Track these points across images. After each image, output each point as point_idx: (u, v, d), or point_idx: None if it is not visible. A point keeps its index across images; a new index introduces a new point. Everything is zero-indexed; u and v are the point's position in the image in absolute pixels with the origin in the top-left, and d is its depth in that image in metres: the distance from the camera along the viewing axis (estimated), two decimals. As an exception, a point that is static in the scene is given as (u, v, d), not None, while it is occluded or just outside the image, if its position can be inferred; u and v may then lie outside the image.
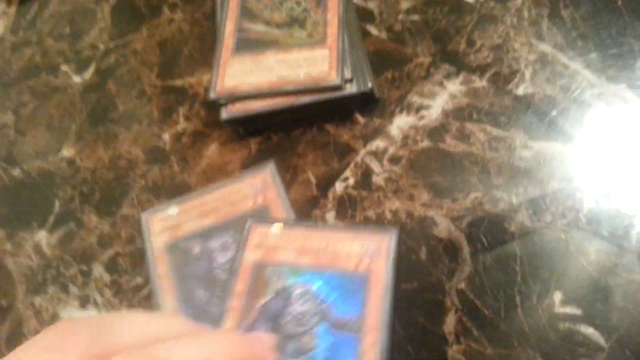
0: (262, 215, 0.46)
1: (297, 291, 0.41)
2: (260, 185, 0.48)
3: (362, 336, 0.38)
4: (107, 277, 0.50)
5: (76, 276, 0.51)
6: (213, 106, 0.54)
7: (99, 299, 0.49)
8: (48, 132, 0.62)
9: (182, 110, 0.58)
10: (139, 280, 0.49)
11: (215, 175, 0.53)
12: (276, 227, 0.44)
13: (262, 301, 0.41)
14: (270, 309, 0.41)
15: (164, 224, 0.48)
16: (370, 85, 0.50)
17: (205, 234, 0.47)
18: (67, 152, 0.60)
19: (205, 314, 0.43)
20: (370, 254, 0.42)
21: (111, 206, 0.54)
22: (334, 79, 0.48)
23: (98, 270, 0.51)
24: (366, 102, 0.52)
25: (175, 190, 0.53)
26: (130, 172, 0.56)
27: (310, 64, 0.50)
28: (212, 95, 0.51)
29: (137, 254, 0.50)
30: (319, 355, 0.39)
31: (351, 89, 0.50)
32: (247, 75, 0.51)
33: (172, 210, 0.48)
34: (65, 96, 0.65)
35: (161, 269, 0.46)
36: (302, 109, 0.51)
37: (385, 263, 0.41)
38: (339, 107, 0.53)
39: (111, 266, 0.50)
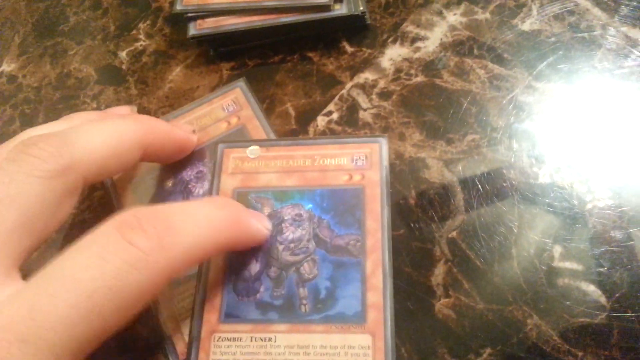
0: (233, 139, 0.41)
1: (287, 217, 0.37)
2: (233, 105, 0.42)
3: (364, 259, 0.34)
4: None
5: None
6: (179, 22, 0.47)
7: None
8: (-16, 43, 0.54)
9: (142, 26, 0.50)
10: (87, 215, 0.42)
11: (180, 101, 0.46)
12: (253, 150, 0.39)
13: None
14: None
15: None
16: (361, 8, 0.44)
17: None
18: (8, 66, 0.52)
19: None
20: (361, 166, 0.37)
21: (57, 130, 0.47)
22: (324, -6, 0.42)
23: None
24: (355, 29, 0.47)
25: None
26: (80, 93, 0.48)
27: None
28: (179, 6, 0.44)
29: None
30: (320, 285, 0.34)
31: (340, 10, 0.43)
32: None
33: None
34: (7, 3, 0.56)
35: (127, 201, 0.39)
36: (282, 30, 0.45)
37: (379, 174, 0.36)
38: (325, 32, 0.47)
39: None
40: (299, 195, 0.37)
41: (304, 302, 0.34)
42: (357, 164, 0.37)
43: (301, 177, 0.37)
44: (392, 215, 0.38)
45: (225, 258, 0.36)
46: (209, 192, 0.38)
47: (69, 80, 0.49)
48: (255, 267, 0.35)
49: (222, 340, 0.33)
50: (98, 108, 0.47)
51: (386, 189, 0.36)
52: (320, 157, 0.38)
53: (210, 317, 0.34)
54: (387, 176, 0.36)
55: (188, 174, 0.40)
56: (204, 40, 0.46)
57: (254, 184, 0.38)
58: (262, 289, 0.34)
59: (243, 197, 0.37)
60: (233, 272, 0.35)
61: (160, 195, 0.40)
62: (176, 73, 0.48)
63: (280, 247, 0.36)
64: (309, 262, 0.35)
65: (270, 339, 0.33)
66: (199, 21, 0.45)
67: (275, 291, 0.34)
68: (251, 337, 0.33)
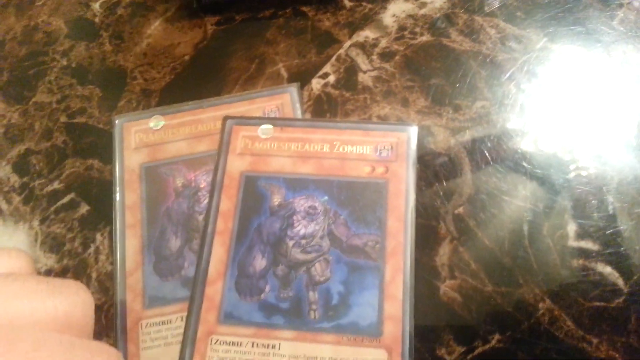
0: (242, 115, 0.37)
1: (299, 209, 0.33)
2: (275, 112, 0.37)
3: (383, 264, 0.31)
4: (15, 180, 0.39)
5: (-25, 175, 0.40)
6: (158, -30, 0.42)
7: (4, 206, 0.39)
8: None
9: (117, -26, 0.45)
10: (56, 185, 0.38)
11: (159, 59, 0.42)
12: (265, 129, 0.35)
13: (256, 222, 0.33)
14: (266, 231, 0.33)
15: (142, 138, 0.37)
16: (363, -43, 0.40)
17: (193, 163, 0.36)
18: (-35, 18, 0.47)
19: (171, 269, 0.33)
20: (385, 157, 0.33)
21: (22, 90, 0.42)
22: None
23: (4, 170, 0.40)
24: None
25: (106, 75, 0.42)
26: (49, 49, 0.44)
27: None
28: None
29: (55, 153, 0.40)
30: (332, 290, 0.31)
31: (339, -42, 0.39)
32: None
33: (157, 120, 0.37)
34: (-38, -54, 0.50)
35: (130, 198, 0.35)
36: None
37: (406, 167, 0.33)
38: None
39: (21, 166, 0.40)
40: (314, 185, 0.33)
41: (314, 307, 0.30)
42: (381, 154, 0.33)
43: (318, 165, 0.33)
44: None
45: (227, 249, 0.32)
46: (213, 174, 0.34)
47: (37, 35, 0.44)
48: (261, 263, 0.32)
49: (220, 343, 0.30)
50: (69, 66, 0.42)
51: (413, 185, 0.32)
52: (340, 144, 0.34)
53: (208, 316, 0.30)
54: (414, 171, 0.33)
55: (201, 178, 0.36)
56: None
57: (265, 168, 0.34)
58: (267, 289, 0.31)
59: (252, 181, 0.33)
60: (236, 267, 0.32)
61: (164, 195, 0.35)
62: (155, 27, 0.43)
63: (290, 243, 0.32)
64: (322, 263, 0.31)
65: (273, 346, 0.29)
66: None
67: (282, 292, 0.31)
68: (253, 343, 0.30)
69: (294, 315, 0.31)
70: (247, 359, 0.29)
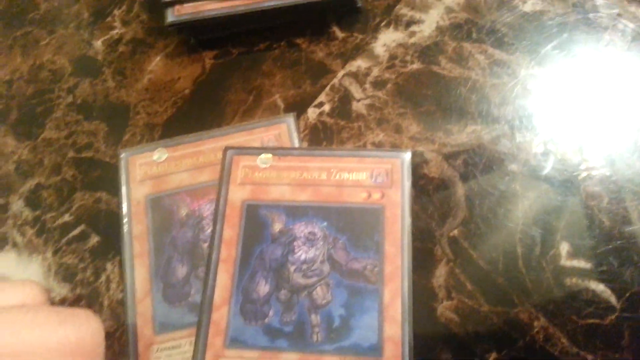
0: (242, 146, 0.38)
1: (299, 235, 0.34)
2: (273, 142, 0.39)
3: (382, 287, 0.32)
4: (28, 213, 0.41)
5: (-13, 212, 0.41)
6: (157, 9, 0.44)
7: (18, 239, 0.40)
8: (-52, 33, 0.50)
9: (118, 12, 0.47)
10: (67, 217, 0.40)
11: (161, 94, 0.43)
12: (264, 158, 0.36)
13: (258, 249, 0.34)
14: (268, 258, 0.34)
15: (147, 170, 0.38)
16: (353, -10, 0.41)
17: (196, 193, 0.38)
18: (-26, 59, 0.49)
19: (179, 296, 0.35)
20: (380, 183, 0.35)
21: (31, 127, 0.44)
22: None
23: (17, 204, 0.41)
24: (346, 12, 0.44)
25: (110, 110, 0.43)
26: (54, 86, 0.45)
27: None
28: None
29: (65, 187, 0.41)
30: (334, 313, 0.32)
31: (329, -8, 0.41)
32: None
33: (160, 153, 0.39)
34: (-30, -11, 0.52)
35: (137, 229, 0.37)
36: (268, 15, 0.41)
37: (401, 193, 0.34)
38: (313, 16, 0.44)
39: (33, 200, 0.41)
40: (313, 212, 0.34)
41: (316, 330, 0.32)
42: (377, 180, 0.35)
43: (316, 192, 0.35)
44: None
45: (232, 276, 0.33)
46: (216, 203, 0.35)
47: (42, 73, 0.46)
48: (264, 288, 0.33)
49: None
50: (74, 103, 0.44)
51: (408, 210, 0.34)
52: (336, 171, 0.35)
53: (215, 340, 0.32)
54: (409, 196, 0.34)
55: (205, 208, 0.37)
56: (183, 28, 0.43)
57: (265, 196, 0.35)
58: (271, 313, 0.32)
59: (253, 210, 0.35)
60: (240, 293, 0.33)
61: (169, 224, 0.37)
62: (155, 63, 0.45)
63: (292, 268, 0.34)
64: (322, 286, 0.33)
65: None
66: (177, 7, 0.41)
67: (285, 316, 0.32)
68: None
69: (297, 338, 0.32)
70: None
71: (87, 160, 0.42)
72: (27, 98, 0.46)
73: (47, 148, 0.43)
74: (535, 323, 0.33)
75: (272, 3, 0.41)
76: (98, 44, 0.46)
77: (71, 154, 0.42)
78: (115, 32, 0.46)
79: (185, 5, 0.41)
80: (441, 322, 0.34)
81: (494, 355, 0.32)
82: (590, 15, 0.41)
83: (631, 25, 0.40)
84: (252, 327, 0.32)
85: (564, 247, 0.34)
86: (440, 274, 0.35)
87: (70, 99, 0.45)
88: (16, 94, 0.46)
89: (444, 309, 0.34)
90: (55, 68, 0.46)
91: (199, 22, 0.41)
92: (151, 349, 0.34)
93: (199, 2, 0.41)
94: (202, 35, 0.44)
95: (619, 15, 0.41)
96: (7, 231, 0.41)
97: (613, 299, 0.33)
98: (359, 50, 0.42)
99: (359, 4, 0.43)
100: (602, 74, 0.39)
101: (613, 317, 0.32)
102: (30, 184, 0.42)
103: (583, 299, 0.33)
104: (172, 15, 0.41)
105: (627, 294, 0.33)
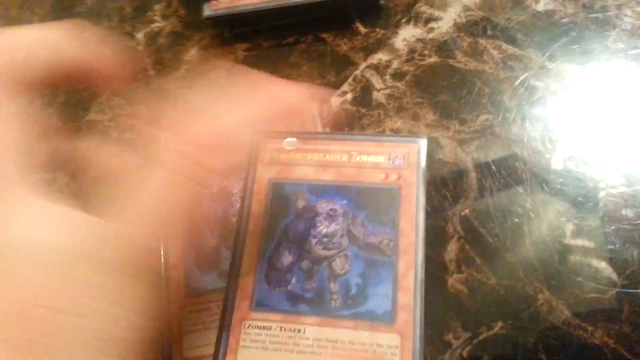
0: (268, 130, 0.41)
1: (321, 211, 0.37)
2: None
3: (396, 260, 0.35)
4: (74, 186, 0.45)
5: (37, 185, 0.45)
6: (194, 4, 0.48)
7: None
8: (5, 26, 0.55)
9: (158, 7, 0.51)
10: (108, 192, 0.44)
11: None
12: (290, 142, 0.39)
13: (283, 223, 0.37)
14: (292, 231, 0.37)
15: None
16: (376, -12, 0.44)
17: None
18: (25, 49, 0.53)
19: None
20: (397, 165, 0.37)
21: (77, 109, 0.48)
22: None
23: (63, 179, 0.45)
24: (369, 10, 0.47)
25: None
26: (99, 74, 0.49)
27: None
28: None
29: (106, 165, 0.45)
30: (351, 282, 0.35)
31: (354, -10, 0.44)
32: None
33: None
34: (22, -15, 0.57)
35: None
36: (296, 10, 0.45)
37: (416, 175, 0.37)
38: (338, 13, 0.47)
39: (77, 176, 0.45)
40: (334, 190, 0.37)
41: (335, 297, 0.34)
42: (394, 163, 0.37)
43: (337, 173, 0.38)
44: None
45: (258, 247, 0.36)
46: (245, 181, 0.38)
47: (87, 62, 0.50)
48: (287, 258, 0.36)
49: (252, 327, 0.34)
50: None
51: (422, 190, 0.36)
52: (357, 154, 0.38)
53: (242, 304, 0.35)
54: (424, 178, 0.37)
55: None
56: (219, 21, 0.46)
57: (290, 175, 0.38)
58: (293, 281, 0.35)
59: (279, 188, 0.38)
60: (265, 262, 0.36)
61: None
62: (192, 54, 0.48)
63: (314, 241, 0.36)
64: (341, 258, 0.35)
65: (299, 330, 0.33)
66: (213, 1, 0.45)
67: (306, 284, 0.35)
68: (281, 327, 0.34)
69: (317, 303, 0.34)
70: (276, 341, 0.33)
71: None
72: (72, 85, 0.50)
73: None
74: (540, 296, 0.35)
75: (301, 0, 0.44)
76: (139, 36, 0.50)
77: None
78: (155, 26, 0.50)
79: (222, 0, 0.45)
80: (451, 293, 0.36)
81: (500, 324, 0.35)
82: (600, 15, 0.44)
83: (637, 24, 0.42)
84: (275, 293, 0.35)
85: (569, 227, 0.37)
86: (451, 249, 0.37)
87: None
88: (63, 81, 0.50)
89: (454, 281, 0.37)
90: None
91: (233, 16, 0.45)
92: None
93: None
94: (235, 28, 0.48)
95: (625, 15, 0.43)
96: (52, 205, 0.45)
97: (614, 276, 0.35)
98: (381, 44, 0.45)
99: (382, 2, 0.47)
100: (608, 71, 0.41)
101: (613, 292, 0.35)
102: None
103: (585, 275, 0.35)
104: (209, 9, 0.45)
105: (627, 271, 0.35)
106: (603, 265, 0.35)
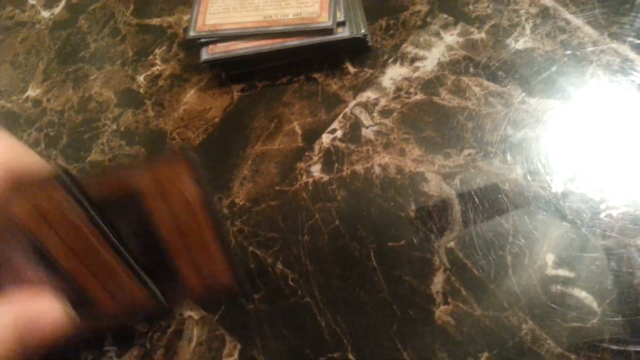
0: None
1: None
2: None
3: None
4: (74, 226, 0.46)
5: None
6: (193, 48, 0.50)
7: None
8: (13, 70, 0.58)
9: (159, 51, 0.54)
10: (109, 230, 0.45)
11: (194, 121, 0.49)
12: None
13: None
14: None
15: None
16: (363, 30, 0.47)
17: None
18: (33, 91, 0.56)
19: None
20: None
21: (79, 151, 0.50)
22: (325, 20, 0.45)
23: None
24: (358, 50, 0.49)
25: (150, 136, 0.49)
26: (101, 116, 0.52)
27: (300, 4, 0.46)
28: (192, 33, 0.47)
29: (108, 203, 0.47)
30: None
31: (343, 33, 0.46)
32: (231, 13, 0.47)
33: None
34: (32, 32, 0.60)
35: None
36: (289, 53, 0.47)
37: None
38: (329, 54, 0.49)
39: (79, 215, 0.47)
40: None
41: None
42: None
43: None
44: (392, 226, 0.41)
45: None
46: None
47: (90, 104, 0.53)
48: None
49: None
50: (118, 130, 0.50)
51: None
52: None
53: None
54: None
55: None
56: (216, 64, 0.49)
57: None
58: None
59: None
60: None
61: None
62: (190, 95, 0.51)
63: None
64: None
65: None
66: (210, 46, 0.48)
67: None
68: None
69: None
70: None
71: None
72: (76, 126, 0.52)
73: (93, 170, 0.49)
74: (524, 326, 0.36)
75: (293, 43, 0.46)
76: (140, 79, 0.53)
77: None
78: (155, 69, 0.53)
79: (218, 44, 0.47)
80: (438, 325, 0.37)
81: (485, 354, 0.36)
82: (578, 52, 0.46)
83: (614, 60, 0.44)
84: None
85: (550, 258, 0.38)
86: (438, 281, 0.39)
87: (114, 126, 0.51)
88: (67, 122, 0.53)
89: (441, 313, 0.38)
90: (102, 100, 0.53)
91: (229, 59, 0.47)
92: None
93: (230, 42, 0.47)
94: (232, 70, 0.50)
95: (602, 51, 0.45)
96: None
97: (594, 305, 0.36)
98: (369, 83, 0.48)
99: (370, 43, 0.49)
100: (587, 105, 0.43)
101: (594, 321, 0.36)
102: (78, 200, 0.48)
103: (567, 304, 0.36)
104: (206, 53, 0.47)
105: (608, 300, 0.36)
106: (584, 295, 0.36)
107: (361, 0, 0.49)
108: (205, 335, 0.40)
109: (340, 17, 0.45)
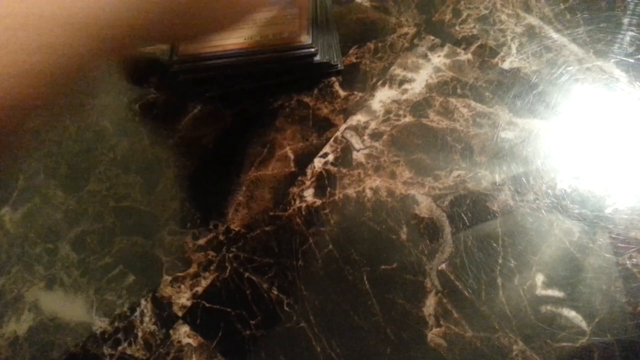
0: None
1: None
2: None
3: None
4: (74, 256, 0.47)
5: (41, 255, 0.48)
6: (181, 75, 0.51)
7: (66, 279, 0.47)
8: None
9: (153, 80, 0.55)
10: (107, 259, 0.46)
11: (189, 149, 0.50)
12: None
13: None
14: None
15: None
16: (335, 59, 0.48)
17: None
18: (31, 122, 0.57)
19: None
20: None
21: (78, 181, 0.51)
22: (306, 40, 0.46)
23: (65, 248, 0.48)
24: (332, 74, 0.50)
25: (146, 165, 0.50)
26: (98, 145, 0.53)
27: (279, 24, 0.47)
28: (174, 57, 0.48)
29: (106, 232, 0.48)
30: None
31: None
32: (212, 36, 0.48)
33: None
34: (27, 62, 0.61)
35: None
36: (259, 63, 0.48)
37: None
38: (317, 77, 0.50)
39: (79, 245, 0.48)
40: None
41: None
42: None
43: None
44: (384, 250, 0.41)
45: None
46: None
47: (88, 134, 0.54)
48: None
49: None
50: (115, 159, 0.51)
51: None
52: None
53: None
54: None
55: None
56: (189, 80, 0.50)
57: None
58: None
59: None
60: None
61: None
62: (185, 123, 0.52)
63: None
64: None
65: None
66: (181, 48, 0.48)
67: None
68: None
69: None
70: None
71: (125, 209, 0.48)
72: (74, 155, 0.53)
73: (91, 199, 0.50)
74: (514, 347, 0.37)
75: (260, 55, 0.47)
76: (136, 107, 0.54)
77: (112, 203, 0.49)
78: (150, 97, 0.54)
79: (188, 46, 0.48)
80: (431, 347, 0.38)
81: (478, 375, 0.37)
82: (563, 71, 0.46)
83: (600, 77, 0.45)
84: None
85: (540, 278, 0.38)
86: (430, 304, 0.39)
87: (111, 155, 0.52)
88: (65, 152, 0.54)
89: (434, 335, 0.38)
90: (98, 129, 0.54)
91: (199, 67, 0.48)
92: None
93: (199, 49, 0.47)
94: (206, 85, 0.51)
95: (588, 69, 0.46)
96: (55, 272, 0.47)
97: (584, 324, 0.37)
98: (359, 106, 0.48)
99: (340, 67, 0.50)
100: (573, 124, 0.44)
101: (584, 340, 0.36)
102: (76, 230, 0.49)
103: (557, 324, 0.37)
104: (176, 55, 0.48)
105: (597, 320, 0.37)
106: (573, 314, 0.37)
107: (335, 24, 0.51)
108: (203, 363, 0.40)
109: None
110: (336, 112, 0.49)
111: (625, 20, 0.47)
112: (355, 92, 0.49)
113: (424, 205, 0.43)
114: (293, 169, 0.47)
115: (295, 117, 0.50)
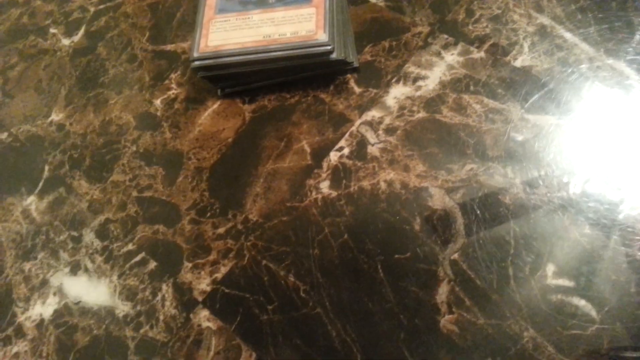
0: None
1: None
2: None
3: None
4: (98, 244, 0.49)
5: (66, 242, 0.50)
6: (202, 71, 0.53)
7: (89, 265, 0.48)
8: (37, 96, 0.61)
9: (174, 76, 0.57)
10: (130, 246, 0.48)
11: (208, 142, 0.52)
12: None
13: None
14: None
15: None
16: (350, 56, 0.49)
17: None
18: (57, 116, 0.59)
19: None
20: None
21: (102, 172, 0.53)
22: (322, 37, 0.47)
23: (89, 236, 0.50)
24: (349, 71, 0.52)
25: (167, 157, 0.52)
26: (121, 138, 0.55)
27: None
28: (195, 54, 0.49)
29: (129, 221, 0.49)
30: None
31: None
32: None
33: None
34: (54, 59, 0.63)
35: None
36: (276, 61, 0.49)
37: None
38: (333, 74, 0.52)
39: (102, 232, 0.50)
40: None
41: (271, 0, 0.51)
42: None
43: None
44: (398, 240, 0.43)
45: None
46: None
47: (111, 127, 0.56)
48: None
49: (217, 22, 0.51)
50: (137, 151, 0.53)
51: None
52: None
53: (209, 12, 0.52)
54: None
55: None
56: (212, 79, 0.51)
57: None
58: None
59: None
60: None
61: None
62: (204, 117, 0.53)
63: None
64: None
65: (249, 17, 0.51)
66: (202, 46, 0.49)
67: None
68: (236, 18, 0.51)
69: (260, 3, 0.52)
70: (233, 25, 0.50)
71: (147, 199, 0.50)
72: (98, 148, 0.55)
73: (114, 189, 0.52)
74: (525, 333, 0.38)
75: (277, 53, 0.48)
76: (157, 102, 0.56)
77: (134, 193, 0.51)
78: (172, 93, 0.56)
79: (209, 45, 0.49)
80: (443, 333, 0.39)
81: (489, 361, 0.38)
82: (575, 69, 0.47)
83: (610, 75, 0.46)
84: (232, 2, 0.52)
85: (550, 268, 0.40)
86: (442, 292, 0.41)
87: (134, 148, 0.54)
88: (89, 145, 0.56)
89: (446, 322, 0.40)
90: (121, 123, 0.56)
91: (219, 64, 0.49)
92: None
93: (219, 49, 0.49)
94: (222, 82, 0.53)
95: (599, 67, 0.47)
96: (80, 259, 0.49)
97: (593, 313, 0.38)
98: (374, 102, 0.50)
99: (356, 65, 0.51)
100: (584, 120, 0.45)
101: (593, 328, 0.37)
102: (100, 219, 0.51)
103: (567, 313, 0.38)
104: (197, 52, 0.49)
105: (606, 308, 0.38)
106: (583, 303, 0.38)
107: (350, 23, 0.52)
108: (222, 345, 0.42)
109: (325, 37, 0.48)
110: (351, 108, 0.50)
111: (636, 20, 0.49)
112: (370, 89, 0.51)
113: (437, 198, 0.44)
114: (309, 162, 0.49)
115: (311, 112, 0.51)
